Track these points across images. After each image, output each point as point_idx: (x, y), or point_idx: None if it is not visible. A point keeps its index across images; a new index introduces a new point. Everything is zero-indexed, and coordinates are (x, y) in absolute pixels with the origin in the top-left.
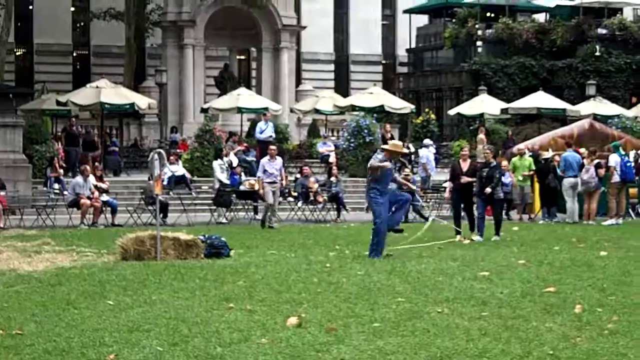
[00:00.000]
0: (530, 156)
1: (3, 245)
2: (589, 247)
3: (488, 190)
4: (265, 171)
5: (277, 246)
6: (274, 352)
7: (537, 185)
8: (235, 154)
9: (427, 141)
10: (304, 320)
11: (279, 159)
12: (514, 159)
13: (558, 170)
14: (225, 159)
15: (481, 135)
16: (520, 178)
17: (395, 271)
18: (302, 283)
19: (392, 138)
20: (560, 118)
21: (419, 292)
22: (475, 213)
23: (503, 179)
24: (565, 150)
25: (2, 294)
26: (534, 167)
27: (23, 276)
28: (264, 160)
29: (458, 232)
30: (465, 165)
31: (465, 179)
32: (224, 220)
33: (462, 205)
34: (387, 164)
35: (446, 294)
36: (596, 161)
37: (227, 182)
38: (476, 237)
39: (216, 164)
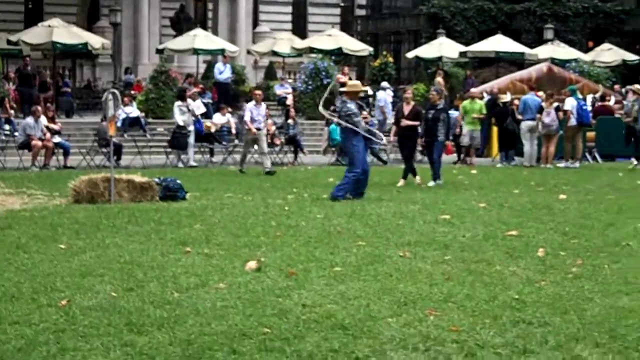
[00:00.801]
0: (489, 100)
1: None
2: (548, 191)
3: (445, 140)
4: (253, 117)
5: (234, 189)
6: (232, 297)
7: (495, 129)
8: (192, 96)
9: (384, 84)
10: (263, 265)
11: (264, 105)
12: (464, 102)
13: (516, 114)
14: (189, 101)
15: (439, 79)
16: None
17: (355, 214)
18: (261, 226)
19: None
20: (518, 62)
21: (380, 236)
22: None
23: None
24: (525, 93)
25: None
26: (484, 111)
27: None
28: (250, 105)
29: (413, 175)
30: (407, 109)
31: (405, 122)
32: (180, 165)
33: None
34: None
35: (408, 237)
36: (555, 104)
37: (185, 125)
38: (430, 183)
39: (176, 105)
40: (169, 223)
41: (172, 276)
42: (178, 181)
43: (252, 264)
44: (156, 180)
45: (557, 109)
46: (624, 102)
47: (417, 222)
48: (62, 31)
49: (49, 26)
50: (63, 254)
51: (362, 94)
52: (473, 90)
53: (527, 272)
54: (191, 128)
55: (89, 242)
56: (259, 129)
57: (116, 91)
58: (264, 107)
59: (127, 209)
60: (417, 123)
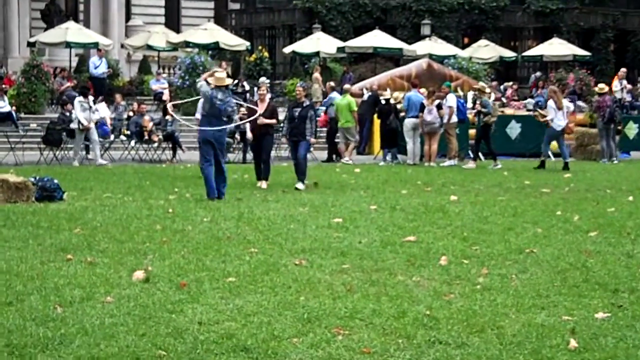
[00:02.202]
0: (369, 96)
1: None
2: (437, 191)
3: (312, 140)
4: None
5: (112, 188)
6: (121, 312)
7: (377, 126)
8: (64, 92)
9: (263, 79)
10: (151, 275)
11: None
12: (336, 100)
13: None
14: (90, 98)
15: (316, 74)
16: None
17: (243, 218)
18: (145, 231)
19: (229, 76)
20: (395, 58)
21: (272, 242)
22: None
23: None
24: (405, 89)
25: None
26: (354, 108)
27: None
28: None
29: (258, 179)
30: (262, 107)
31: (262, 120)
32: (76, 163)
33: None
34: None
35: (301, 243)
36: (437, 102)
37: (86, 121)
38: (298, 184)
39: (78, 101)
40: (47, 227)
41: (55, 288)
42: (55, 181)
43: (139, 274)
44: (32, 179)
45: (439, 107)
46: (439, 101)
47: (309, 226)
48: None
49: None
50: None
51: (236, 88)
52: (347, 86)
53: (432, 283)
54: (92, 125)
55: None
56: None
57: None
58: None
59: (1, 210)
60: (273, 121)
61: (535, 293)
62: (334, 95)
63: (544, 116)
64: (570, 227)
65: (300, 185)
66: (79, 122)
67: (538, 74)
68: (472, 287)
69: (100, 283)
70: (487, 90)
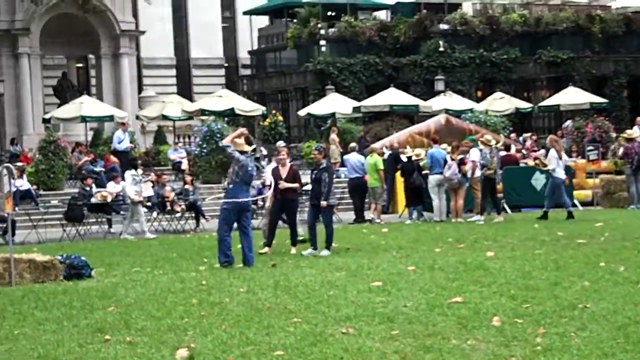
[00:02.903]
0: (390, 155)
1: None
2: (471, 248)
3: (323, 203)
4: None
5: (140, 262)
6: None
7: (400, 184)
8: (83, 166)
9: (280, 143)
10: (195, 352)
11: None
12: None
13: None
14: (139, 171)
15: (333, 135)
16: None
17: (280, 286)
18: (182, 305)
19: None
20: (409, 115)
21: (315, 310)
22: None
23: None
24: (428, 146)
25: None
26: (380, 167)
27: None
28: (271, 167)
29: (268, 245)
30: (284, 171)
31: (283, 184)
32: (128, 236)
33: (281, 215)
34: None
35: (345, 310)
36: (459, 157)
37: (136, 197)
38: (307, 251)
39: (129, 174)
40: (80, 307)
41: None
42: (82, 258)
43: (183, 352)
44: (59, 258)
45: (462, 161)
46: (462, 156)
47: (349, 291)
48: None
49: None
50: None
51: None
52: (375, 145)
53: (489, 346)
54: (139, 198)
55: None
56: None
57: (10, 165)
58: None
59: (31, 291)
60: (296, 185)
61: (600, 352)
62: (350, 156)
63: (545, 165)
64: (618, 279)
65: (325, 252)
66: (129, 196)
67: (569, 122)
68: (532, 349)
69: None
70: (492, 142)
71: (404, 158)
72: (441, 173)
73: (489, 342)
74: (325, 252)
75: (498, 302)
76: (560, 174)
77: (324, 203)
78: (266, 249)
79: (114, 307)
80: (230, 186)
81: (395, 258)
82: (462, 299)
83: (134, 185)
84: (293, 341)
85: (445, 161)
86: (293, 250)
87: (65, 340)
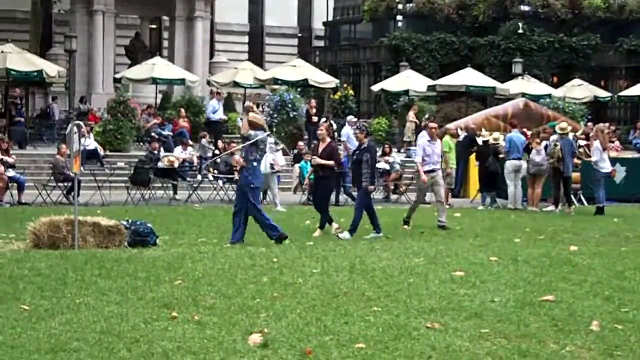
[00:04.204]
0: (465, 137)
1: None
2: (551, 240)
3: (371, 187)
4: (425, 157)
5: (206, 233)
6: None
7: (473, 168)
8: (151, 129)
9: (350, 118)
10: (269, 339)
11: (439, 141)
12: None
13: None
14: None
15: (412, 113)
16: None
17: (355, 270)
18: (253, 284)
19: (317, 115)
20: (482, 97)
21: (395, 299)
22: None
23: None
24: (504, 130)
25: None
26: (446, 149)
27: None
28: (423, 142)
29: (329, 222)
30: (322, 147)
31: (316, 160)
32: (280, 208)
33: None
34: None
35: (428, 302)
36: (544, 143)
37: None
38: (343, 234)
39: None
40: (145, 278)
41: (164, 354)
42: (149, 225)
43: (256, 338)
44: (124, 223)
45: (546, 148)
46: (546, 142)
47: (430, 280)
48: (16, 58)
49: (2, 52)
50: (27, 317)
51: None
52: (449, 126)
53: (590, 354)
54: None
55: (56, 303)
56: (433, 171)
57: (81, 123)
58: (439, 144)
59: (94, 257)
60: (331, 163)
61: None
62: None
63: (589, 156)
64: None
65: (372, 235)
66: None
67: None
68: None
69: (214, 348)
70: (569, 130)
71: (479, 141)
72: (519, 159)
73: (590, 350)
74: (346, 235)
75: (593, 304)
76: (604, 166)
77: (371, 188)
78: (318, 232)
79: (181, 281)
80: (255, 164)
81: (474, 246)
82: (553, 298)
83: (271, 154)
84: (374, 333)
85: (526, 147)
86: (317, 233)
87: (129, 314)
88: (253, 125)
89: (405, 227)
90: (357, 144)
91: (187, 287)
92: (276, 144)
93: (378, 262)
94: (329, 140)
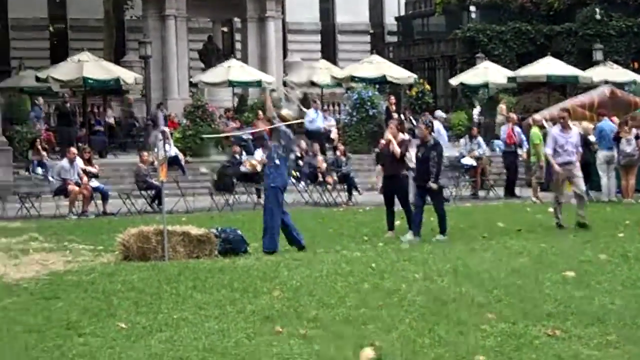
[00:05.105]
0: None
1: None
2: None
3: (433, 185)
4: (557, 148)
5: None
6: None
7: None
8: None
9: (438, 113)
10: (382, 353)
11: (575, 129)
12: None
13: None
14: None
15: (502, 105)
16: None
17: (459, 273)
18: (355, 292)
19: (396, 111)
20: (561, 86)
21: (508, 304)
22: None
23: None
24: (591, 120)
25: None
26: (537, 141)
27: (10, 286)
28: (555, 131)
29: (390, 229)
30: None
31: (388, 145)
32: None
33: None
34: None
35: (544, 306)
36: (634, 131)
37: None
38: (406, 237)
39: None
40: (242, 289)
41: None
42: (239, 232)
43: (368, 352)
44: (214, 231)
45: (637, 137)
46: (636, 131)
47: (541, 282)
48: (92, 66)
49: (79, 61)
50: (125, 336)
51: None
52: (536, 116)
53: None
54: None
55: (152, 318)
56: (569, 163)
57: (166, 129)
58: (576, 132)
59: (187, 268)
60: (396, 150)
61: None
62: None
63: None
64: None
65: (407, 237)
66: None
67: None
68: None
69: None
70: None
71: None
72: (611, 148)
73: None
74: (440, 237)
75: None
76: None
77: (433, 185)
78: (389, 233)
79: (279, 291)
80: (277, 162)
81: (577, 243)
82: None
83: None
84: (493, 343)
85: (615, 136)
86: (388, 234)
87: (230, 329)
88: (283, 121)
89: (580, 227)
90: (446, 139)
91: (287, 298)
92: None
93: (481, 263)
94: (401, 136)
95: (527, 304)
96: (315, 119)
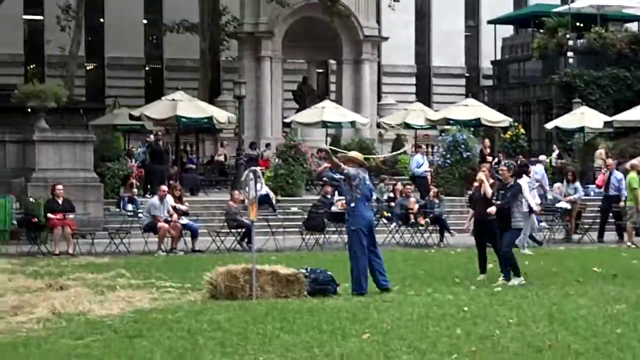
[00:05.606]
0: None
1: (72, 278)
2: None
3: (491, 210)
4: None
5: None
6: None
7: None
8: (322, 173)
9: (542, 157)
10: None
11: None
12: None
13: None
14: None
15: (601, 150)
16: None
17: (555, 319)
18: (446, 337)
19: (490, 155)
20: None
21: (607, 354)
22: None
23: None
24: None
25: (68, 351)
26: (635, 185)
27: (95, 323)
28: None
29: (482, 272)
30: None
31: (480, 187)
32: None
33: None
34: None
35: None
36: None
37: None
38: (513, 281)
39: (524, 181)
40: (330, 330)
41: None
42: (328, 272)
43: None
44: (303, 271)
45: None
46: None
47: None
48: (186, 105)
49: (173, 100)
50: None
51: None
52: (635, 161)
53: None
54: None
55: None
56: None
57: (257, 169)
58: None
59: (275, 308)
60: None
61: None
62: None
63: None
64: None
65: (513, 282)
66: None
67: None
68: None
69: None
70: None
71: None
72: None
73: None
74: (503, 282)
75: None
76: None
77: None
78: (481, 276)
79: (368, 334)
80: (352, 205)
81: None
82: None
83: (529, 194)
84: None
85: None
86: (480, 277)
87: None
88: (352, 162)
89: None
90: (547, 182)
91: (376, 341)
92: None
93: (577, 309)
94: (491, 180)
95: (626, 354)
96: (422, 164)
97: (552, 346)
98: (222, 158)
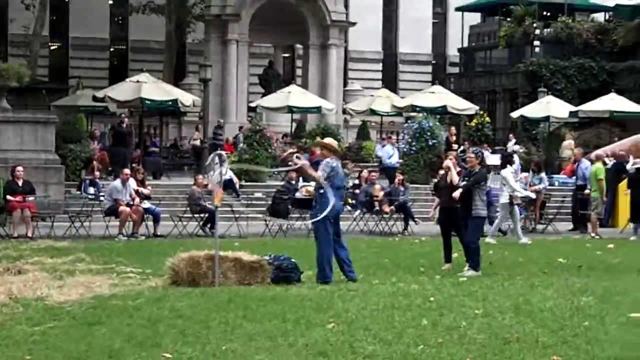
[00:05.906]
0: (614, 164)
1: (30, 262)
2: None
3: (456, 193)
4: None
5: None
6: None
7: (622, 197)
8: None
9: (517, 147)
10: None
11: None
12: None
13: None
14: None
15: (570, 140)
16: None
17: (522, 310)
18: (412, 327)
19: (456, 142)
20: (621, 123)
21: (574, 347)
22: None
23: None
24: None
25: (25, 337)
26: (601, 176)
27: (53, 309)
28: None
29: (447, 261)
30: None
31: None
32: (525, 240)
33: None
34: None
35: (612, 350)
36: None
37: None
38: (466, 272)
39: (508, 171)
40: (294, 320)
41: None
42: (292, 260)
43: None
44: (267, 258)
45: None
46: None
47: (607, 324)
48: (150, 87)
49: (137, 81)
50: None
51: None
52: (599, 152)
53: None
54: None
55: (200, 349)
56: None
57: (223, 153)
58: None
59: (237, 295)
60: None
61: None
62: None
63: None
64: None
65: (469, 273)
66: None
67: None
68: None
69: None
70: None
71: (629, 168)
72: None
73: None
74: (469, 273)
75: None
76: None
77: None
78: (446, 265)
79: (333, 324)
80: (321, 191)
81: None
82: None
83: (515, 182)
84: None
85: None
86: (445, 267)
87: None
88: (327, 149)
89: None
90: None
91: (341, 331)
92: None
93: (543, 301)
94: (458, 168)
95: (594, 347)
96: (392, 154)
97: (519, 339)
98: (197, 142)
